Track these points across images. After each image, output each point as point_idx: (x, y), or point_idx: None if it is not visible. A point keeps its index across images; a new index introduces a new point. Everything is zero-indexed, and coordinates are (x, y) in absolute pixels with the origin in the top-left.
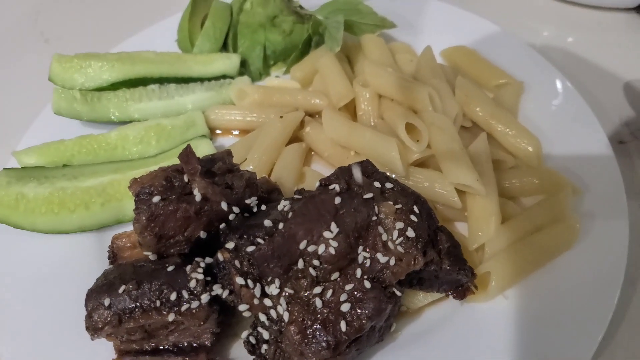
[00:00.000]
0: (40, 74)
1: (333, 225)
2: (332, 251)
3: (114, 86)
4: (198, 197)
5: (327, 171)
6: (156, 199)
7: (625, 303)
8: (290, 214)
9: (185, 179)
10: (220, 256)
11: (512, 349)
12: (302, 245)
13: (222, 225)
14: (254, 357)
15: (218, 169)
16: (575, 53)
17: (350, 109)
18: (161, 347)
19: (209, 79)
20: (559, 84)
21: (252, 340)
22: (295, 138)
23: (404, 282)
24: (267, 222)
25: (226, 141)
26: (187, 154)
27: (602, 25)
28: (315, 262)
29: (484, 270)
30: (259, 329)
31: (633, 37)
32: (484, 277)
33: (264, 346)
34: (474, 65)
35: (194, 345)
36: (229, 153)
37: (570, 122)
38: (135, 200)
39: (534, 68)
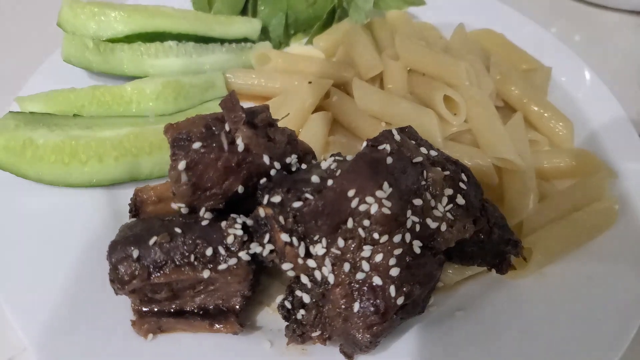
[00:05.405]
0: (37, 26)
1: (385, 185)
2: (387, 211)
3: (129, 39)
4: (241, 146)
5: (352, 142)
6: (196, 145)
7: None
8: (338, 172)
9: (227, 127)
10: (261, 212)
11: (549, 327)
12: (353, 204)
13: (263, 181)
14: (288, 323)
15: (260, 121)
16: (583, 51)
17: (375, 83)
18: (186, 310)
19: (229, 41)
20: (581, 72)
21: (288, 305)
22: (318, 108)
23: (444, 254)
24: (315, 178)
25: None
26: (231, 100)
27: (610, 25)
28: (366, 223)
29: (525, 245)
30: (297, 292)
31: None
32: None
33: (301, 311)
34: (502, 49)
35: (222, 308)
36: (267, 107)
37: (594, 109)
38: (171, 146)
39: (556, 55)
